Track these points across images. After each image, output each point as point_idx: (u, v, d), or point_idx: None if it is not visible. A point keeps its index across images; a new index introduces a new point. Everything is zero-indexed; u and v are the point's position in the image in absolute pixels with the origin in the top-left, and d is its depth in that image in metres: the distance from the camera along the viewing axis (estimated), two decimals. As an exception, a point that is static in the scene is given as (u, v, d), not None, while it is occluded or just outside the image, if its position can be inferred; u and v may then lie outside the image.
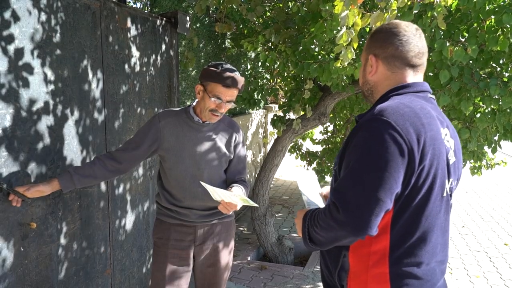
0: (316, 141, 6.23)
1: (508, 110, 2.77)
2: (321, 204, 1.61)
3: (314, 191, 1.71)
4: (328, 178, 7.39)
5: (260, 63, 5.74)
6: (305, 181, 1.75)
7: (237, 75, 1.95)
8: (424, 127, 1.22)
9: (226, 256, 2.21)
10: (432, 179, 1.24)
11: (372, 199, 1.16)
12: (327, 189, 1.71)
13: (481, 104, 2.85)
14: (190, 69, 4.09)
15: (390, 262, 1.26)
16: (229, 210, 1.84)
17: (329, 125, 6.20)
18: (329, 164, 5.88)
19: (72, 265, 2.25)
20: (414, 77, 1.36)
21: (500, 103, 2.59)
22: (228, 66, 1.96)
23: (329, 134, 6.15)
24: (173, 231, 2.11)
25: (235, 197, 1.78)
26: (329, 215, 1.22)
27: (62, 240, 2.17)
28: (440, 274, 1.35)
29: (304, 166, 6.22)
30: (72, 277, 2.25)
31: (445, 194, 1.30)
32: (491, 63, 2.80)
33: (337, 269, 1.35)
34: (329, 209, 1.23)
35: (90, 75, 2.29)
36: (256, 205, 1.85)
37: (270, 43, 3.72)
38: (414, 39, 1.34)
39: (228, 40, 4.88)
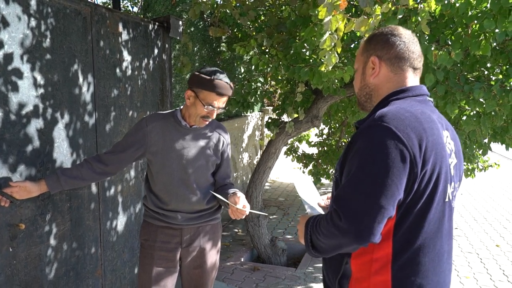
0: (312, 143, 6.27)
1: (492, 113, 2.82)
2: (321, 211, 1.57)
3: (313, 198, 1.67)
4: (324, 181, 7.44)
5: (253, 67, 5.80)
6: (303, 187, 1.68)
7: (229, 82, 1.97)
8: (425, 132, 1.20)
9: (213, 258, 2.24)
10: (434, 185, 1.22)
11: (375, 207, 1.14)
12: (325, 201, 1.66)
13: (466, 107, 2.89)
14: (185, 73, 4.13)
15: (393, 270, 1.23)
16: (239, 216, 1.93)
17: (324, 128, 6.24)
18: (324, 167, 5.92)
19: (62, 266, 2.29)
20: (414, 79, 1.36)
21: (485, 106, 2.64)
22: (220, 73, 1.96)
23: (324, 136, 6.19)
24: (159, 233, 2.14)
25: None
26: (331, 223, 1.21)
27: (52, 241, 2.21)
28: (447, 284, 1.32)
29: (300, 168, 6.26)
30: (62, 278, 2.29)
31: (447, 200, 1.28)
32: (478, 66, 2.85)
33: (338, 276, 1.33)
34: (331, 217, 1.21)
35: (81, 79, 2.34)
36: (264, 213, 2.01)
37: (262, 47, 3.76)
38: (414, 42, 1.35)
39: (223, 44, 4.93)
